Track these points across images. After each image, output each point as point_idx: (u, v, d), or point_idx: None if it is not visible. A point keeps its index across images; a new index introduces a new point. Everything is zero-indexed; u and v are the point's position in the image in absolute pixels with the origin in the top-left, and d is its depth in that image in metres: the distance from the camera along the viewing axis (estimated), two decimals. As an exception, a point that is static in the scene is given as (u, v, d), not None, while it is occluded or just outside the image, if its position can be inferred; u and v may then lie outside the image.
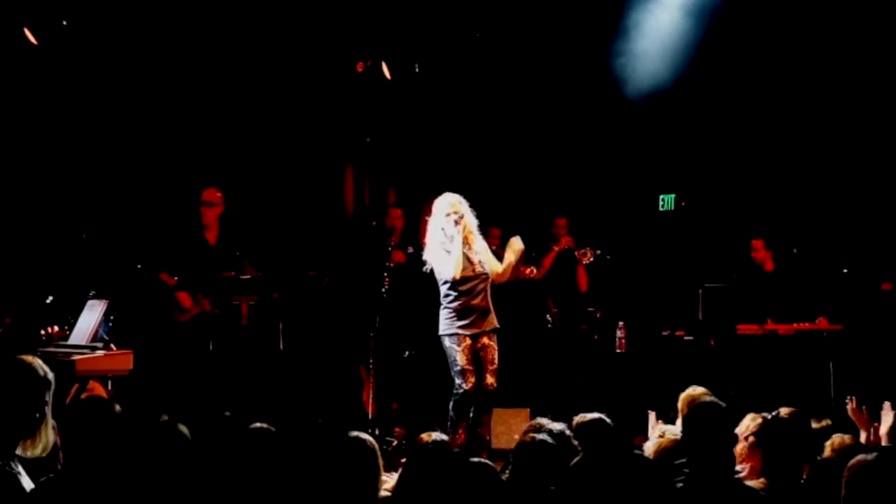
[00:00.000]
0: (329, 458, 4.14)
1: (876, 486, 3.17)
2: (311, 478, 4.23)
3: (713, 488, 3.82)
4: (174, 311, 8.45)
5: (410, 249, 9.14)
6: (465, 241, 7.39)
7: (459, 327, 7.28)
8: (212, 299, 8.35)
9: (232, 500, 3.93)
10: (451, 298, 7.33)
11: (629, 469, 3.18)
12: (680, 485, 3.98)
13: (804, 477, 4.36)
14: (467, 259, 7.39)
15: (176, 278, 8.45)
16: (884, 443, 5.17)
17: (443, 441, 4.62)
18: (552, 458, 4.11)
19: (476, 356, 7.31)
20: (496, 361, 7.37)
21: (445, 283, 7.36)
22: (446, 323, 7.35)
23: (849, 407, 5.57)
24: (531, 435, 4.37)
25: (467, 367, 7.24)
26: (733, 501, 3.82)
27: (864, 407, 5.51)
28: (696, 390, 5.53)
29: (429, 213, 7.66)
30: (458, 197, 7.47)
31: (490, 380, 7.33)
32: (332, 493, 4.04)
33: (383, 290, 8.66)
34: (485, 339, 7.35)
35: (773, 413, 4.54)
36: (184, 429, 3.79)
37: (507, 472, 4.87)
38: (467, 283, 7.33)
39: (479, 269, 7.40)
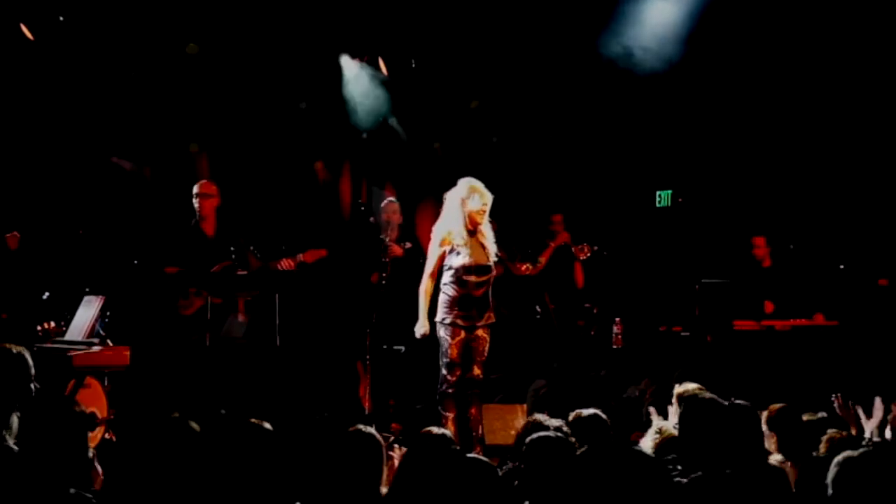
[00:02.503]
0: (334, 452, 4.15)
1: (861, 481, 3.18)
2: (314, 472, 4.24)
3: (709, 483, 3.83)
4: (179, 305, 8.43)
5: (408, 245, 9.14)
6: (480, 232, 7.36)
7: (456, 318, 7.25)
8: (212, 291, 8.34)
9: (236, 496, 3.93)
10: (452, 286, 7.28)
11: (629, 464, 3.18)
12: (677, 480, 3.99)
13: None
14: (481, 247, 7.36)
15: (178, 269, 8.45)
16: (875, 438, 5.19)
17: (444, 436, 4.62)
18: (562, 453, 4.11)
19: (467, 347, 7.30)
20: (486, 354, 7.37)
21: (450, 268, 7.31)
22: (443, 311, 7.31)
23: (835, 404, 5.59)
24: (540, 433, 4.35)
25: (456, 360, 7.23)
26: (729, 495, 3.83)
27: (850, 403, 5.52)
28: (689, 386, 5.54)
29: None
30: (489, 194, 7.39)
31: (477, 371, 7.34)
32: (335, 486, 4.05)
33: (381, 283, 8.68)
34: (479, 332, 7.34)
35: (730, 401, 4.53)
36: (195, 425, 3.80)
37: (503, 468, 4.88)
38: (472, 274, 7.27)
39: (489, 258, 7.37)
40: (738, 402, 4.54)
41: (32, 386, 4.04)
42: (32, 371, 4.12)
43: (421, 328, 7.33)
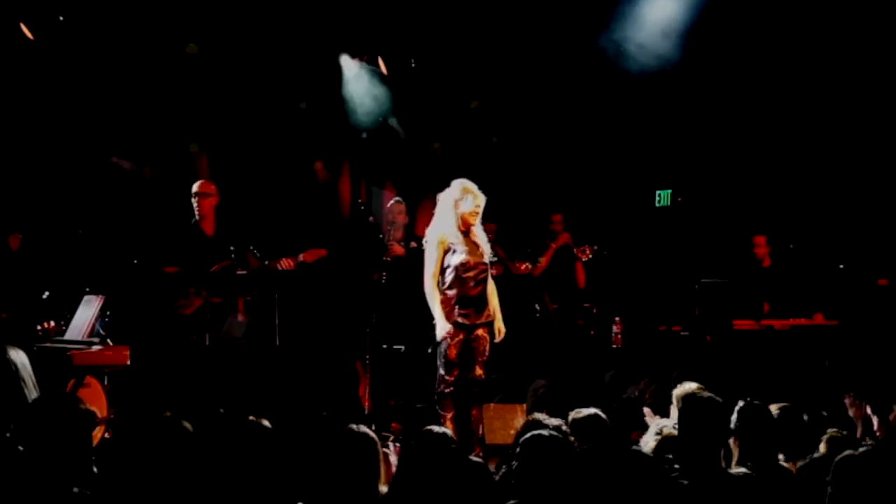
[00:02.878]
0: (329, 451, 4.15)
1: (861, 481, 3.18)
2: (313, 472, 4.24)
3: (706, 481, 3.83)
4: (179, 305, 8.43)
5: (413, 244, 9.15)
6: (472, 233, 7.35)
7: (456, 318, 7.23)
8: (211, 290, 8.34)
9: (233, 495, 3.93)
10: (451, 286, 7.27)
11: (626, 464, 3.19)
12: (678, 480, 3.99)
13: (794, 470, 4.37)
14: (474, 244, 7.35)
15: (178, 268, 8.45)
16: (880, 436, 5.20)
17: (444, 435, 4.62)
18: (556, 453, 4.12)
19: (467, 347, 7.28)
20: (487, 353, 7.35)
21: (448, 266, 7.28)
22: (443, 311, 7.30)
23: (847, 402, 5.60)
24: (537, 431, 4.36)
25: (454, 360, 7.22)
26: (726, 493, 3.83)
27: (861, 402, 5.53)
28: (689, 386, 5.53)
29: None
30: (482, 196, 7.39)
31: (479, 371, 7.32)
32: (333, 484, 4.06)
33: (381, 282, 8.68)
34: (479, 331, 7.33)
35: (746, 400, 4.55)
36: (187, 425, 3.80)
37: (504, 468, 4.88)
38: (470, 271, 7.27)
39: (483, 257, 7.36)
40: (753, 401, 4.56)
41: (22, 383, 4.00)
42: (17, 370, 4.07)
43: (443, 328, 7.26)
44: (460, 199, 7.30)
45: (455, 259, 7.26)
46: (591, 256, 9.79)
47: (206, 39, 9.62)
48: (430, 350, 7.82)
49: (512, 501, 4.02)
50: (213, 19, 9.50)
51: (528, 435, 4.20)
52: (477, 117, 10.86)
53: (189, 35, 9.56)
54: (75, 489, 3.57)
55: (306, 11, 9.70)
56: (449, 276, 7.28)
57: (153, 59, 9.55)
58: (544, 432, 4.26)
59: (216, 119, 10.00)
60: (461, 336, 7.25)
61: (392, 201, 9.52)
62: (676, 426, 4.82)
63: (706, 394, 4.43)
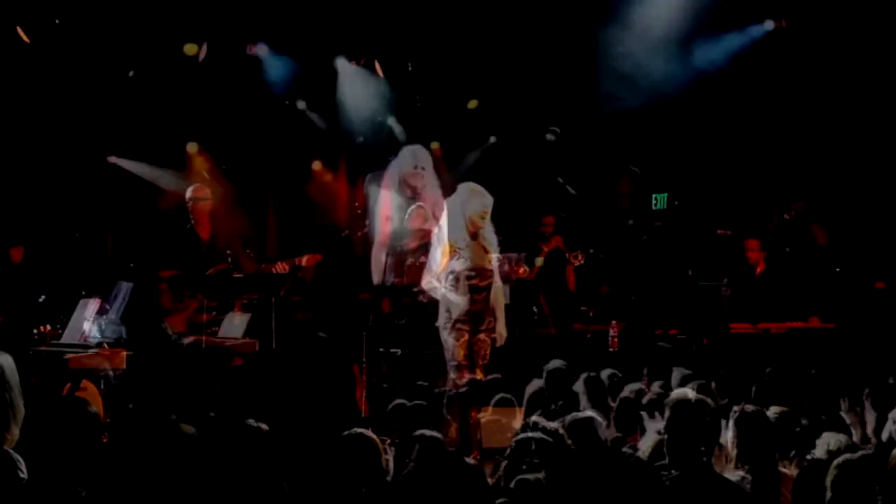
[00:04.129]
0: (331, 455, 4.15)
1: (859, 485, 3.18)
2: (310, 474, 4.24)
3: (695, 483, 3.82)
4: (174, 308, 8.41)
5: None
6: (481, 236, 7.32)
7: (459, 321, 7.21)
8: (208, 294, 8.33)
9: (230, 498, 3.93)
10: (454, 291, 7.23)
11: (616, 467, 3.18)
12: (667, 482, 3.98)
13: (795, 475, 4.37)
14: (482, 248, 7.32)
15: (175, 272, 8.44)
16: (873, 441, 5.20)
17: (435, 438, 4.62)
18: (548, 455, 4.12)
19: (470, 350, 7.28)
20: (488, 357, 7.34)
21: (452, 272, 7.29)
22: (446, 316, 7.29)
23: (843, 407, 5.59)
24: (528, 433, 4.37)
25: (463, 362, 7.20)
26: (716, 495, 3.83)
27: (857, 408, 5.53)
28: (680, 392, 5.52)
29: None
30: (490, 197, 7.35)
31: (479, 374, 7.31)
32: (336, 488, 4.06)
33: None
34: (481, 335, 7.32)
35: (744, 404, 4.55)
36: (189, 428, 3.79)
37: (500, 471, 4.88)
38: (474, 279, 7.24)
39: (490, 263, 7.34)
40: (747, 406, 4.55)
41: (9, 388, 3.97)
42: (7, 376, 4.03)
43: (458, 299, 7.18)
44: (468, 202, 7.28)
45: (459, 265, 7.23)
46: (582, 262, 9.77)
47: (205, 39, 9.62)
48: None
49: (501, 500, 4.02)
50: (213, 19, 9.51)
51: (518, 438, 4.21)
52: (475, 117, 10.85)
53: (187, 36, 9.55)
54: (83, 492, 3.56)
55: (306, 13, 9.71)
56: (452, 282, 7.26)
57: (153, 60, 9.55)
58: (533, 435, 4.27)
59: (216, 119, 9.99)
60: (466, 337, 7.25)
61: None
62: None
63: (695, 396, 4.43)
